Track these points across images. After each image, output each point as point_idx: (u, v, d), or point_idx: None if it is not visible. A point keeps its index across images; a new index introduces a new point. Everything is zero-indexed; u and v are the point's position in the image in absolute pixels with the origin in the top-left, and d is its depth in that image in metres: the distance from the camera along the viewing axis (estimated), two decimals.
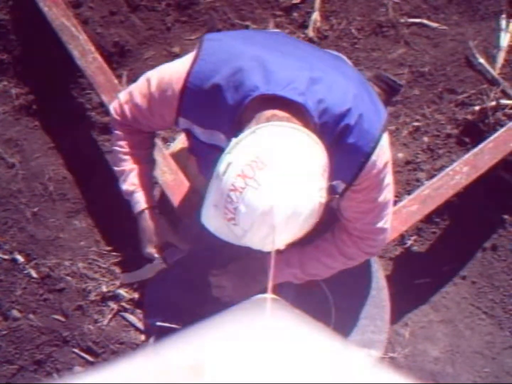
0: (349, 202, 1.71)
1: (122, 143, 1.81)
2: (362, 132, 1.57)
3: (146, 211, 1.82)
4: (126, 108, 1.76)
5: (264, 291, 1.67)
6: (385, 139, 1.62)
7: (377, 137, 1.59)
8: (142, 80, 1.74)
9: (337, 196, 1.69)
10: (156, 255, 1.82)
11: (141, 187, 1.82)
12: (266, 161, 1.30)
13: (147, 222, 1.83)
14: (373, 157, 1.59)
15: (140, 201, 1.82)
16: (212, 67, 1.56)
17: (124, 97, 1.77)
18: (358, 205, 1.72)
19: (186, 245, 1.86)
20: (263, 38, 1.71)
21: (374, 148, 1.58)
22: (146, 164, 1.86)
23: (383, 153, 1.63)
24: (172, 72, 1.65)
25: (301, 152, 1.34)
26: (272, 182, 1.30)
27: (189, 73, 1.58)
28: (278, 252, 1.72)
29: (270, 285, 1.60)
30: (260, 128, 1.35)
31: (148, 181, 1.86)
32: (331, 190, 1.63)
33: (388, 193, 1.72)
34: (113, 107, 1.81)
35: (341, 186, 1.65)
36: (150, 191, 1.86)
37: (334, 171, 1.54)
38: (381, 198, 1.71)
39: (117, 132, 1.82)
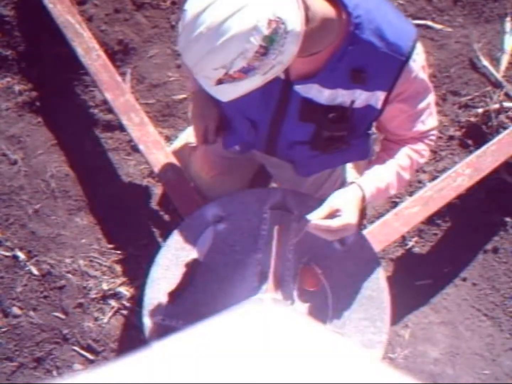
0: (399, 117, 1.69)
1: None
2: (399, 31, 1.54)
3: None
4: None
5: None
6: (419, 43, 1.59)
7: (414, 37, 1.56)
8: None
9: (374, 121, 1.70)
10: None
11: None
12: None
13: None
14: (413, 57, 1.56)
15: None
16: None
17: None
18: (410, 115, 1.69)
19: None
20: None
21: (412, 47, 1.55)
22: None
23: (421, 54, 1.60)
24: None
25: None
26: None
27: None
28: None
29: (270, 285, 1.60)
30: None
31: None
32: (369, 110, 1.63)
33: (430, 94, 1.70)
34: None
35: (380, 98, 1.61)
36: None
37: (373, 79, 1.54)
38: (429, 99, 1.69)
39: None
